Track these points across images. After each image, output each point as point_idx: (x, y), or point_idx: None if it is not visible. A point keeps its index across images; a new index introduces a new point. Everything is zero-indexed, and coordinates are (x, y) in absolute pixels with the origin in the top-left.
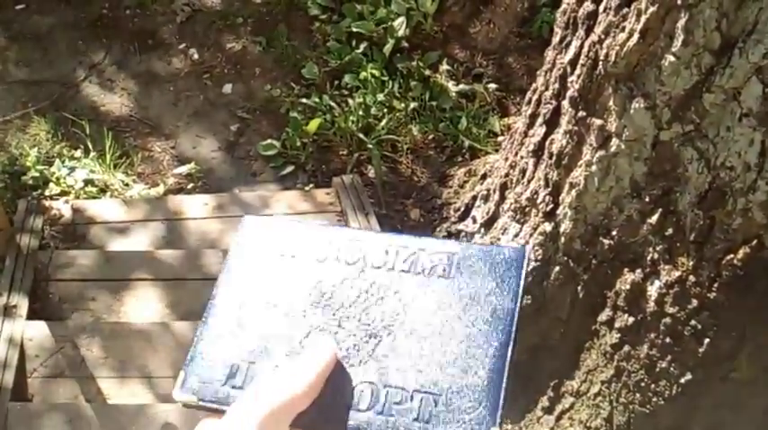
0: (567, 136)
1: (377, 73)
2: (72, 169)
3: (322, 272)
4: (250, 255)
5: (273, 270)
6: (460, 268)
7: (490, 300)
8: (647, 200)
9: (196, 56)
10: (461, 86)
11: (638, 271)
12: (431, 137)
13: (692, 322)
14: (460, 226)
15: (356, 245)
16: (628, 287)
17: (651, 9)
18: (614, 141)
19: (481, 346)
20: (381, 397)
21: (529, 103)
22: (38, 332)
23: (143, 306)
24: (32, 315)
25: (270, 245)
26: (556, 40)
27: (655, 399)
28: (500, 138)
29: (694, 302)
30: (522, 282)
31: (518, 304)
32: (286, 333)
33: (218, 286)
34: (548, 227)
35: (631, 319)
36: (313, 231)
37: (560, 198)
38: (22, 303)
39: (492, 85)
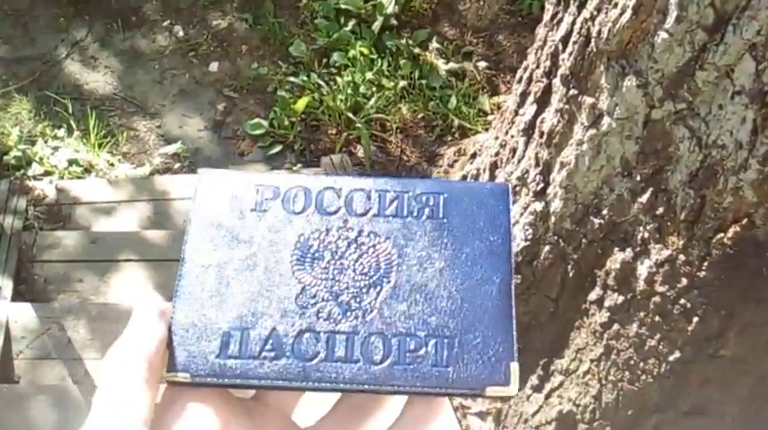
0: (558, 114)
1: (366, 51)
2: (55, 149)
3: (301, 224)
4: (216, 213)
5: (246, 227)
6: (448, 207)
7: (484, 237)
8: (637, 179)
9: (181, 33)
10: (451, 65)
11: (629, 250)
12: (420, 116)
13: (682, 301)
14: None
15: (333, 193)
16: (618, 266)
17: None
18: (605, 120)
19: (484, 283)
20: (394, 347)
21: (519, 81)
22: (23, 314)
23: (130, 287)
24: (17, 297)
25: (236, 200)
26: (547, 17)
27: (643, 377)
28: (490, 117)
29: (684, 281)
30: (510, 217)
31: (511, 239)
32: (276, 293)
33: (184, 251)
34: (538, 206)
35: (621, 298)
36: (282, 181)
37: (551, 177)
38: (6, 284)
39: (482, 64)
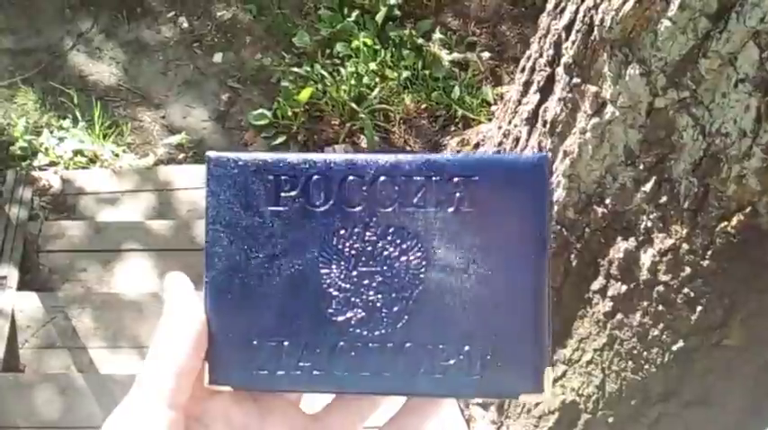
0: (561, 103)
1: (369, 41)
2: (61, 139)
3: (323, 222)
4: (232, 213)
5: (264, 226)
6: (479, 193)
7: (517, 224)
8: (641, 167)
9: (186, 24)
10: (454, 55)
11: (632, 239)
12: (423, 106)
13: (685, 290)
14: None
15: (356, 180)
16: (621, 255)
17: None
18: (609, 108)
19: (517, 279)
20: (426, 356)
21: (522, 70)
22: (28, 303)
23: (134, 276)
24: (23, 286)
25: (251, 195)
26: (550, 5)
27: (647, 367)
28: (493, 108)
29: (687, 270)
30: (547, 197)
31: (548, 224)
32: (304, 298)
33: (206, 256)
34: None
35: (624, 288)
36: (298, 167)
37: (554, 166)
38: (12, 274)
39: (485, 54)
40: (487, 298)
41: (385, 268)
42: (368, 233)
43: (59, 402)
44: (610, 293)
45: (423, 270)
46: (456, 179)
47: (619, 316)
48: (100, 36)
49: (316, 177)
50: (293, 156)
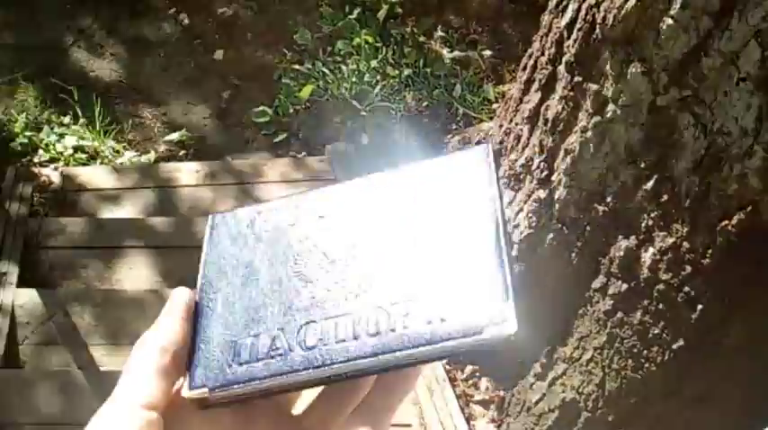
0: (563, 101)
1: (370, 39)
2: (61, 136)
3: (295, 233)
4: (224, 247)
5: (248, 249)
6: (432, 184)
7: (470, 197)
8: (642, 166)
9: (186, 21)
10: (456, 53)
11: (633, 237)
12: (425, 104)
13: (686, 289)
14: None
15: (323, 198)
16: (622, 254)
17: None
18: (610, 107)
19: (474, 232)
20: (391, 315)
21: (524, 68)
22: (28, 299)
23: (134, 273)
24: (23, 282)
25: (242, 231)
26: (552, 3)
27: (647, 365)
28: (495, 106)
29: (688, 269)
30: (494, 174)
31: (499, 193)
32: (279, 298)
33: (197, 291)
34: (542, 193)
35: (625, 286)
36: (280, 204)
37: (555, 164)
38: (12, 271)
39: (487, 52)
40: (445, 253)
41: (349, 256)
42: (333, 233)
43: (59, 399)
44: (610, 292)
45: (383, 245)
46: (410, 179)
47: (619, 314)
48: (101, 32)
49: (291, 205)
50: (278, 202)
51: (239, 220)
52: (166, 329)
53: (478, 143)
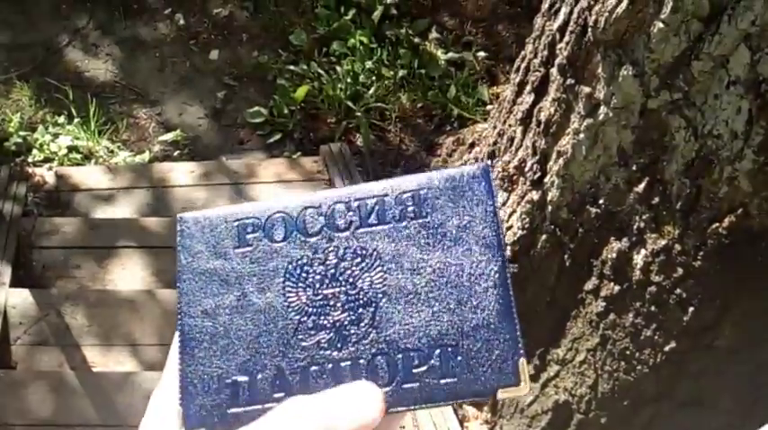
0: (556, 104)
1: (365, 40)
2: (56, 135)
3: (287, 252)
4: (202, 260)
5: (233, 268)
6: (430, 204)
7: (471, 228)
8: (634, 168)
9: (182, 21)
10: (450, 54)
11: (625, 239)
12: (419, 105)
13: (677, 290)
14: None
15: (313, 211)
16: (614, 256)
17: None
18: (602, 109)
19: (479, 280)
20: (399, 365)
21: (517, 70)
22: (21, 300)
23: (128, 274)
24: (16, 282)
25: (219, 242)
26: (545, 6)
27: (639, 367)
28: (489, 107)
29: (679, 271)
30: (495, 199)
31: (499, 224)
32: (274, 330)
33: (180, 305)
34: (535, 195)
35: (617, 288)
36: (260, 210)
37: (548, 166)
38: (5, 270)
39: (481, 54)
40: (452, 298)
41: (348, 287)
42: (328, 258)
43: (52, 400)
44: (603, 294)
45: (385, 282)
46: (406, 195)
47: (612, 316)
48: (96, 32)
49: (275, 215)
50: (256, 206)
51: (216, 229)
52: (175, 388)
53: (475, 156)
